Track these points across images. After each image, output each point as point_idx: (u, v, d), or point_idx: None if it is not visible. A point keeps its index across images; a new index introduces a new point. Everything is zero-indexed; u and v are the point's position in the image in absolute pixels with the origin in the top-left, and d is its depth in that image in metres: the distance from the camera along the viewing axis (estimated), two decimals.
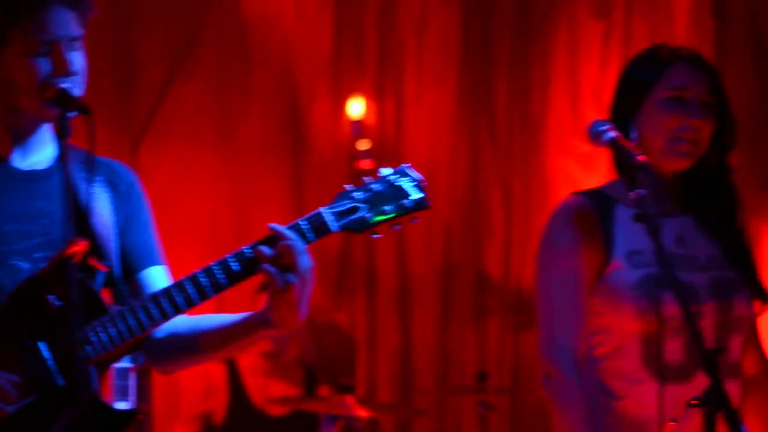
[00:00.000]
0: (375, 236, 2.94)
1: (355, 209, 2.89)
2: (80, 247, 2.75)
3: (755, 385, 3.54)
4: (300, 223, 2.88)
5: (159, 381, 6.20)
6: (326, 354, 7.08)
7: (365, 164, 7.45)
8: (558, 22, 7.51)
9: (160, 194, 6.79)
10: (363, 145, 7.49)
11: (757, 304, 3.49)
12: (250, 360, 6.29)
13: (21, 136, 3.02)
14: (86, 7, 3.01)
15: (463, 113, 7.58)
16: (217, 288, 2.88)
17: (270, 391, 6.30)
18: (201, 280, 2.88)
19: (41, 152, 3.05)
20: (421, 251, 7.51)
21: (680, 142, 3.40)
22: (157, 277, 3.11)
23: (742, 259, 3.48)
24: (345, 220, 2.89)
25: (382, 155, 7.55)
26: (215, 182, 7.29)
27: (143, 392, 6.06)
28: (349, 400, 6.03)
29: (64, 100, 2.89)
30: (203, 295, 2.88)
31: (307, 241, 2.86)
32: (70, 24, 2.96)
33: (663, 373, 3.31)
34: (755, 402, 3.53)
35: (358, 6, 7.65)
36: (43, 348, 2.85)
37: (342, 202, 2.90)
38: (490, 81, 7.59)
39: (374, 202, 2.90)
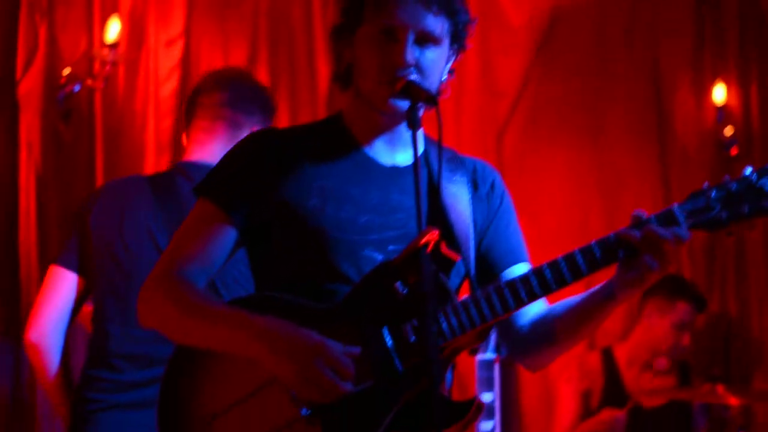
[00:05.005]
0: (729, 235, 2.91)
1: (709, 209, 2.87)
2: (433, 236, 2.74)
3: None
4: (674, 209, 2.86)
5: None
6: (700, 345, 7.00)
7: (731, 151, 7.34)
8: None
9: (525, 187, 6.92)
10: (728, 131, 7.37)
11: None
12: (626, 350, 6.28)
13: (383, 132, 3.06)
14: (453, 11, 2.98)
15: None
16: (577, 274, 2.87)
17: (643, 382, 6.28)
18: (561, 265, 2.88)
19: (406, 150, 3.08)
20: None
21: None
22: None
23: None
24: (696, 219, 2.87)
25: (748, 141, 7.41)
26: (582, 172, 7.33)
27: (508, 382, 6.16)
28: (719, 388, 5.95)
29: (411, 91, 2.86)
30: (560, 282, 2.88)
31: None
32: (421, 18, 2.92)
33: None
34: None
35: None
36: (386, 334, 2.88)
37: (696, 201, 2.89)
38: None
39: (731, 202, 2.87)
